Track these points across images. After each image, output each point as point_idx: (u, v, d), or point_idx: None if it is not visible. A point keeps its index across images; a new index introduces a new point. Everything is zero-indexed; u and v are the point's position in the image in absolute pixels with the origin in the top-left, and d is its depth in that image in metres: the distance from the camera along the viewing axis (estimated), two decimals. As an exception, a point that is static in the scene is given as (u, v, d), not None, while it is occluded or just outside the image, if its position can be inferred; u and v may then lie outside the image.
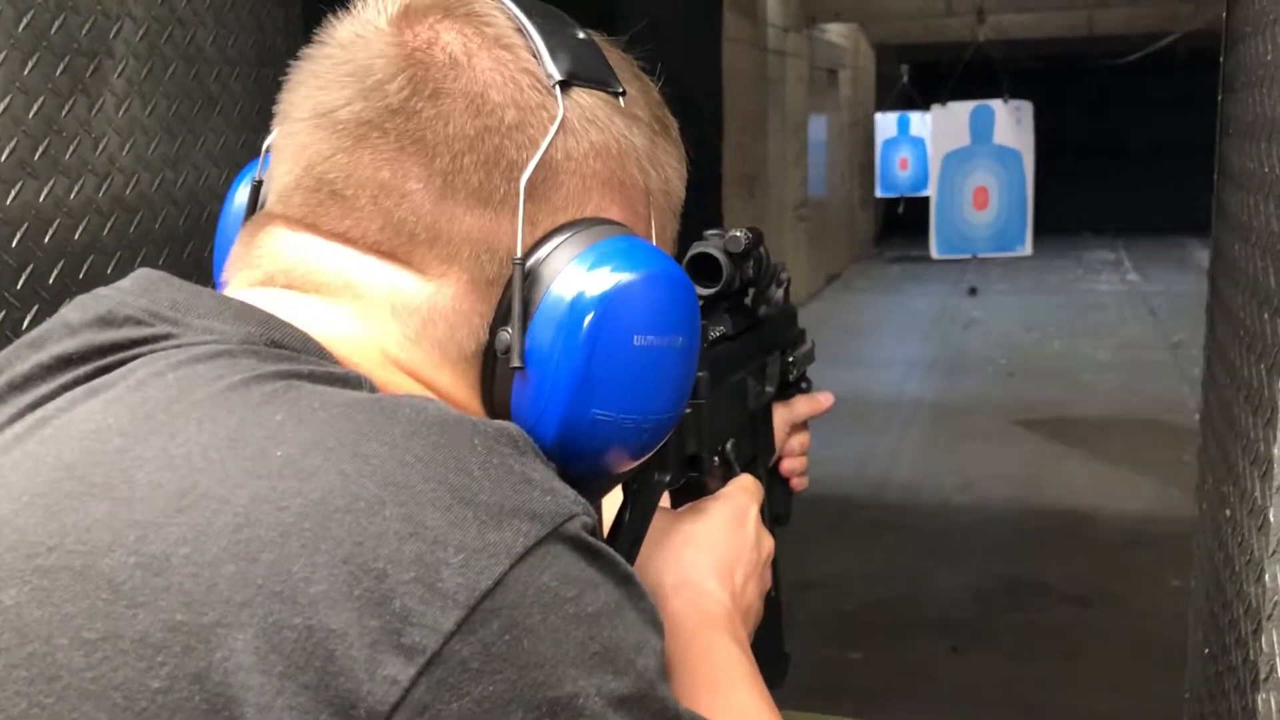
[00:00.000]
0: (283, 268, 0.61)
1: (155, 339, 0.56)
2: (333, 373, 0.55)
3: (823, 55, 9.88)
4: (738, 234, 0.83)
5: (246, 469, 0.48)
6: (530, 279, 0.60)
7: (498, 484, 0.49)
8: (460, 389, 0.62)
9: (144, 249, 1.34)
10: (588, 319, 0.59)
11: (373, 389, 0.56)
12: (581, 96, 0.62)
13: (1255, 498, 0.83)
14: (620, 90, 0.64)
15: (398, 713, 0.44)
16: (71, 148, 1.23)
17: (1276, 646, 0.73)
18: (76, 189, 1.24)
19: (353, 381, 0.56)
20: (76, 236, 1.23)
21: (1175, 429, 5.28)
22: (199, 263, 1.40)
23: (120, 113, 1.29)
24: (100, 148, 1.27)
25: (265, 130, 0.67)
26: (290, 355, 0.56)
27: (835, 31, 10.19)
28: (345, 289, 0.60)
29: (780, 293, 0.95)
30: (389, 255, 0.60)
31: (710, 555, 0.80)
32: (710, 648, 0.73)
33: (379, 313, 0.60)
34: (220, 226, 0.73)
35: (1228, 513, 0.97)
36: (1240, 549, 0.89)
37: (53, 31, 1.18)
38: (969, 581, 3.75)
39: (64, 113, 1.21)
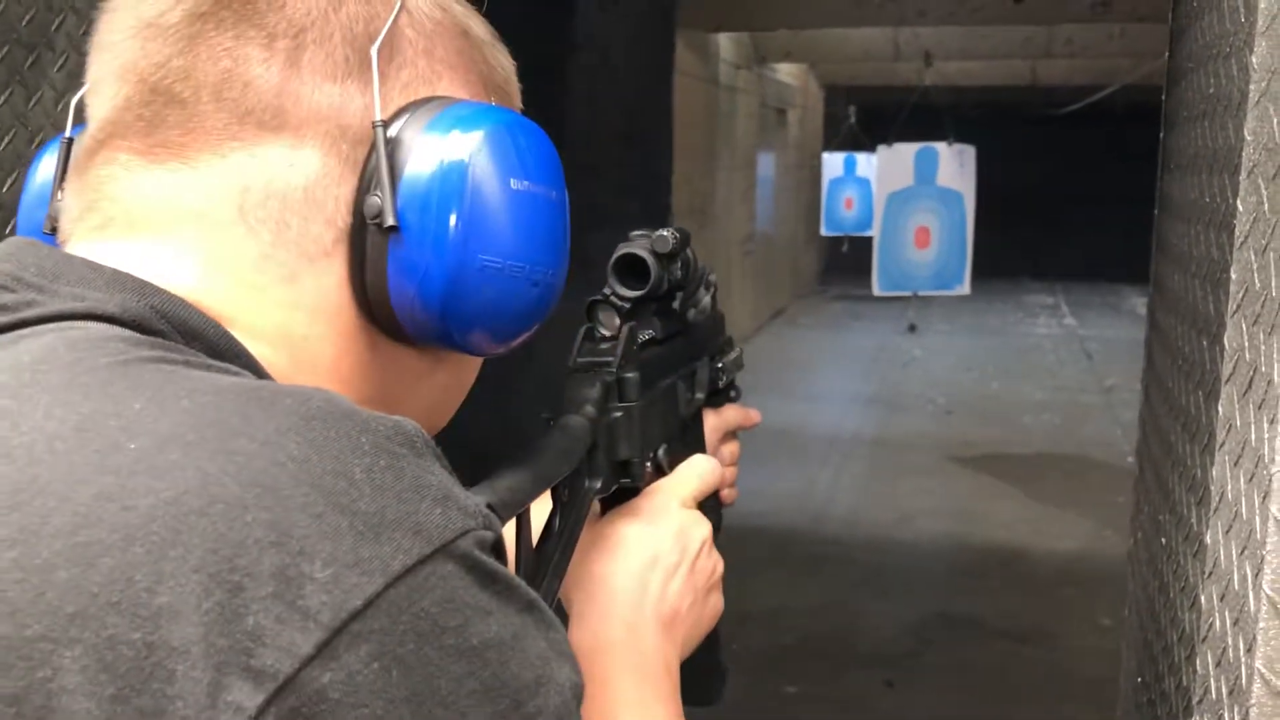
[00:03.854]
0: (124, 209, 0.56)
1: (17, 305, 0.51)
2: (212, 362, 0.51)
3: (773, 93, 10.00)
4: (665, 234, 0.82)
5: (93, 462, 0.43)
6: (392, 145, 0.57)
7: (381, 490, 0.44)
8: (324, 291, 0.58)
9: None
10: (464, 163, 0.57)
11: (256, 371, 0.53)
12: None
13: (1191, 524, 0.84)
14: None
15: None
16: (6, 140, 1.20)
17: (1211, 669, 0.74)
18: (9, 182, 1.21)
19: (232, 369, 0.51)
20: (8, 231, 1.20)
21: (1108, 470, 5.38)
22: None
23: (59, 107, 1.26)
24: (36, 142, 1.24)
25: None
26: (167, 343, 0.51)
27: (785, 71, 10.33)
28: (195, 218, 0.56)
29: (709, 298, 0.94)
30: (233, 154, 0.56)
31: (619, 560, 0.76)
32: (606, 680, 0.70)
33: (231, 233, 0.56)
34: (22, 206, 0.68)
35: (1163, 540, 0.98)
36: (1175, 576, 0.90)
37: (-8, 21, 1.16)
38: (905, 616, 3.77)
39: None
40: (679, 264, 0.84)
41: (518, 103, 0.68)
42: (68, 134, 0.62)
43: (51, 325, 0.50)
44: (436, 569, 0.43)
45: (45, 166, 0.67)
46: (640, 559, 0.76)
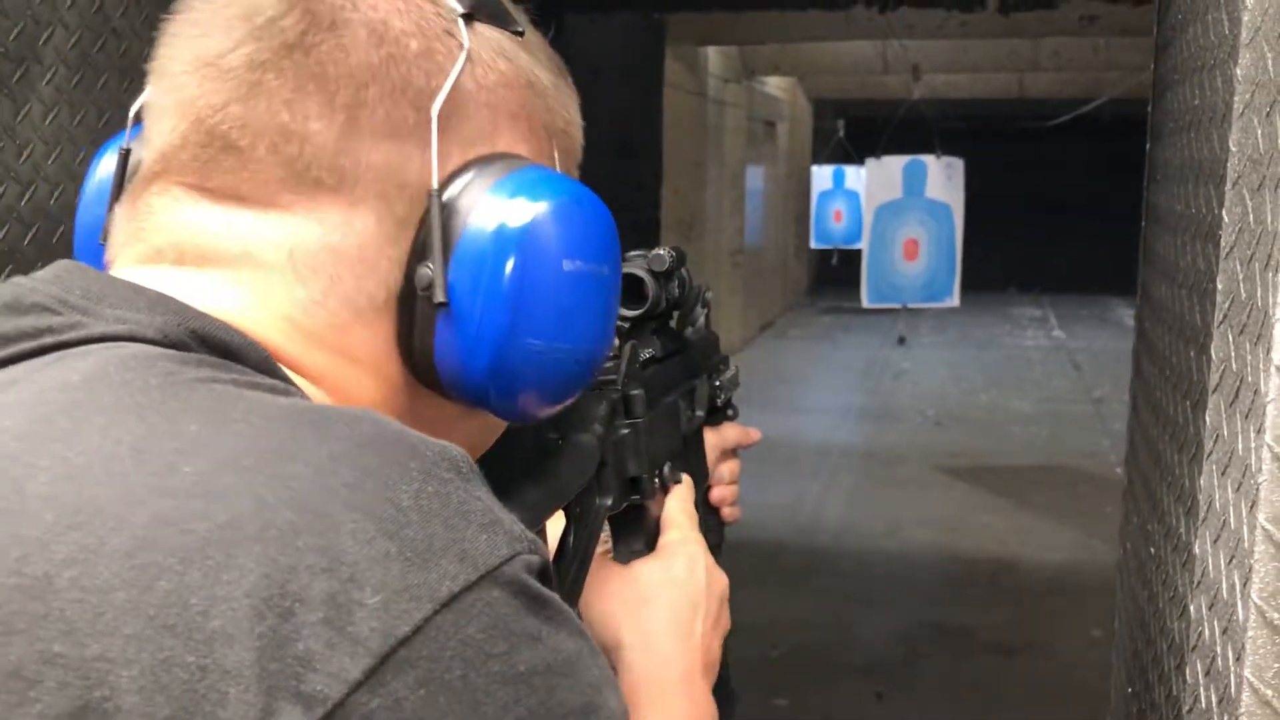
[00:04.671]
0: (172, 240, 0.56)
1: (63, 328, 0.51)
2: (259, 381, 0.51)
3: (761, 107, 10.03)
4: (661, 253, 0.83)
5: (150, 485, 0.43)
6: (447, 211, 0.56)
7: (428, 517, 0.44)
8: (374, 346, 0.57)
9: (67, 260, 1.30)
10: (518, 243, 0.56)
11: (300, 393, 0.53)
12: (485, 30, 0.59)
13: (1180, 533, 0.84)
14: (520, 29, 0.62)
15: None
16: (-6, 153, 1.20)
17: (1200, 678, 0.74)
18: (0, 194, 1.20)
19: (279, 388, 0.51)
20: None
21: (1097, 481, 5.39)
22: (123, 277, 1.37)
23: (47, 120, 1.26)
24: (25, 155, 1.24)
25: None
26: (215, 361, 0.51)
27: (774, 84, 10.37)
28: (243, 257, 0.55)
29: (704, 316, 0.95)
30: (288, 207, 0.55)
31: (667, 614, 0.76)
32: (665, 711, 0.71)
33: (281, 278, 0.55)
34: (81, 205, 0.67)
35: (1152, 550, 0.98)
36: (1164, 586, 0.90)
37: (-20, 34, 1.15)
38: (894, 628, 3.77)
39: (-12, 118, 1.18)
40: (676, 282, 0.85)
41: (579, 142, 0.67)
42: (125, 144, 0.62)
43: (96, 346, 0.50)
44: (483, 595, 0.44)
45: (104, 166, 0.66)
46: (686, 607, 0.78)
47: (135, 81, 1.40)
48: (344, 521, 0.43)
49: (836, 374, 8.42)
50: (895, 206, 7.06)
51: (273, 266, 0.55)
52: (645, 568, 0.80)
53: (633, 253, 0.84)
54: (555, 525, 0.74)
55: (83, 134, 1.31)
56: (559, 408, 0.63)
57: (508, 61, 0.60)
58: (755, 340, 9.76)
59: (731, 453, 1.03)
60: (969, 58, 8.42)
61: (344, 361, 0.57)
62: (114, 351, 0.50)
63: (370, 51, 0.55)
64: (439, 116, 0.56)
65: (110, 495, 0.43)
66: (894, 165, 7.12)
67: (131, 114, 0.62)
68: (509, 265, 0.56)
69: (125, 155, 0.62)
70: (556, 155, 0.64)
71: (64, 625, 0.40)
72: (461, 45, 0.57)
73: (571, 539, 0.75)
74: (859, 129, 9.65)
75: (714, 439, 1.00)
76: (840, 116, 10.52)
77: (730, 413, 1.04)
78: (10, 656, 0.40)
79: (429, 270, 0.56)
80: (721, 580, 0.83)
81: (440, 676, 0.42)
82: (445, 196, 0.56)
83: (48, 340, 0.51)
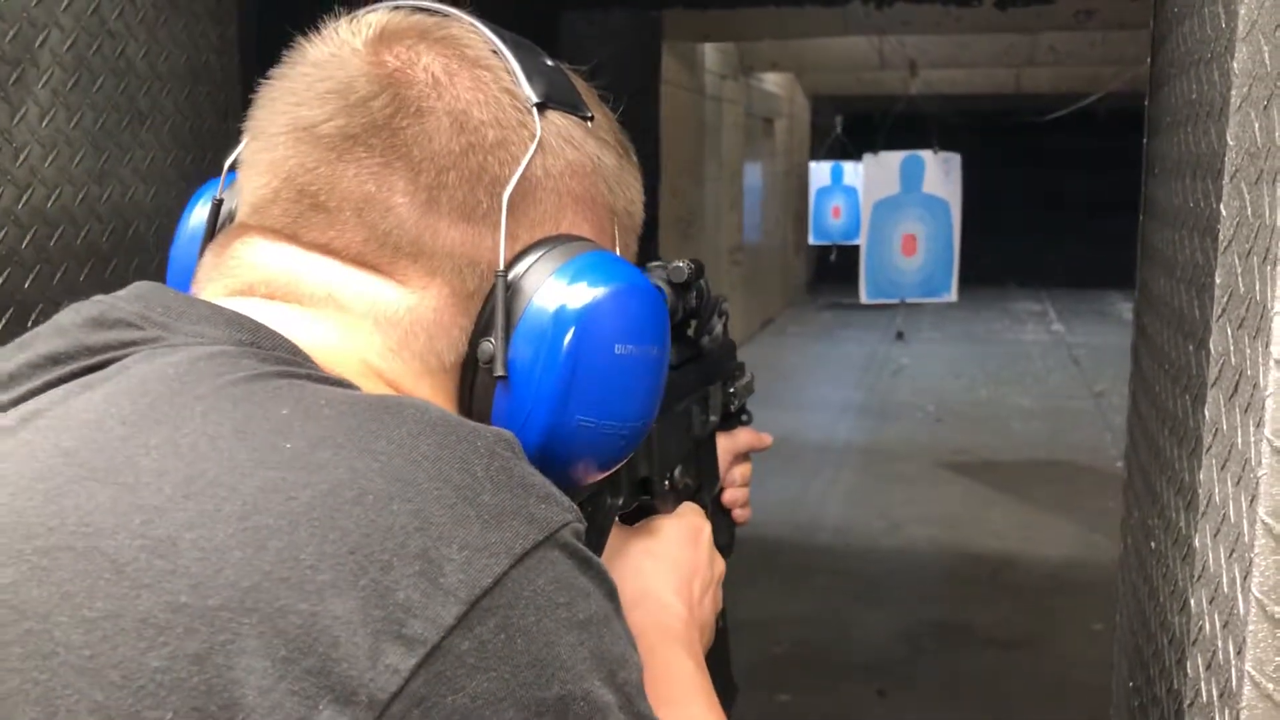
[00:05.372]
0: (263, 278, 0.61)
1: (146, 341, 0.56)
2: (327, 378, 0.56)
3: (759, 103, 10.02)
4: (680, 265, 0.86)
5: (255, 458, 0.49)
6: (511, 291, 0.61)
7: (499, 486, 0.50)
8: (439, 399, 0.62)
9: (65, 263, 1.30)
10: (574, 327, 0.61)
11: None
12: (556, 118, 0.64)
13: (1180, 528, 0.84)
14: (589, 115, 0.67)
15: (396, 702, 0.45)
16: (-9, 157, 1.19)
17: (1201, 671, 0.74)
18: (-5, 199, 1.20)
19: (347, 384, 0.56)
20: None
21: (1098, 476, 5.39)
22: (123, 280, 1.36)
23: (44, 123, 1.26)
24: (21, 158, 1.23)
25: (197, 148, 0.67)
26: (287, 358, 0.56)
27: (772, 81, 10.36)
28: (327, 300, 0.61)
29: (721, 325, 0.97)
30: (371, 267, 0.61)
31: (669, 568, 0.82)
32: (669, 663, 0.75)
33: (361, 324, 0.61)
34: (175, 245, 0.73)
35: (1152, 545, 0.98)
36: (1165, 579, 0.90)
37: (-24, 37, 1.15)
38: (896, 624, 3.77)
39: (-16, 121, 1.18)
40: (694, 293, 0.88)
41: (639, 218, 0.73)
42: (219, 194, 0.68)
43: (182, 348, 0.56)
44: (548, 554, 0.50)
45: (197, 214, 0.73)
46: (685, 566, 0.83)
47: (131, 82, 1.40)
48: (429, 489, 0.48)
49: (836, 370, 8.42)
50: (893, 202, 7.06)
51: (355, 312, 0.61)
52: (651, 528, 0.85)
53: (653, 264, 0.86)
54: None
55: (80, 136, 1.31)
56: (604, 476, 0.68)
57: (575, 149, 0.65)
58: (755, 337, 9.75)
59: (744, 456, 1.07)
60: (966, 53, 8.42)
61: None
62: (200, 349, 0.55)
63: (452, 139, 0.61)
64: (510, 202, 0.61)
65: (219, 469, 0.48)
66: (892, 161, 7.11)
67: (226, 165, 0.67)
68: (564, 347, 0.61)
69: (218, 204, 0.68)
70: (617, 233, 0.70)
71: (189, 579, 0.45)
72: (533, 135, 0.62)
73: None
74: (857, 125, 9.65)
75: (727, 443, 1.03)
76: (838, 113, 10.52)
77: (744, 418, 1.07)
78: (141, 606, 0.45)
79: (491, 344, 0.61)
80: (720, 563, 0.88)
81: (517, 621, 0.47)
82: (510, 276, 0.62)
83: (133, 351, 0.56)
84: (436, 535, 0.47)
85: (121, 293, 0.61)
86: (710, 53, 8.20)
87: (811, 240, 10.25)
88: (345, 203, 0.60)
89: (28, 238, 1.25)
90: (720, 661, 0.90)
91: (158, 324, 0.57)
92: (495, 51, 0.64)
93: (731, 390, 1.02)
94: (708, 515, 0.91)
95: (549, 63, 0.67)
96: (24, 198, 1.24)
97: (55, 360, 0.56)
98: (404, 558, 0.46)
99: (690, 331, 0.94)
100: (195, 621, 0.45)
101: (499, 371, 0.61)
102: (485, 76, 0.63)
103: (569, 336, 0.61)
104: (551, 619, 0.49)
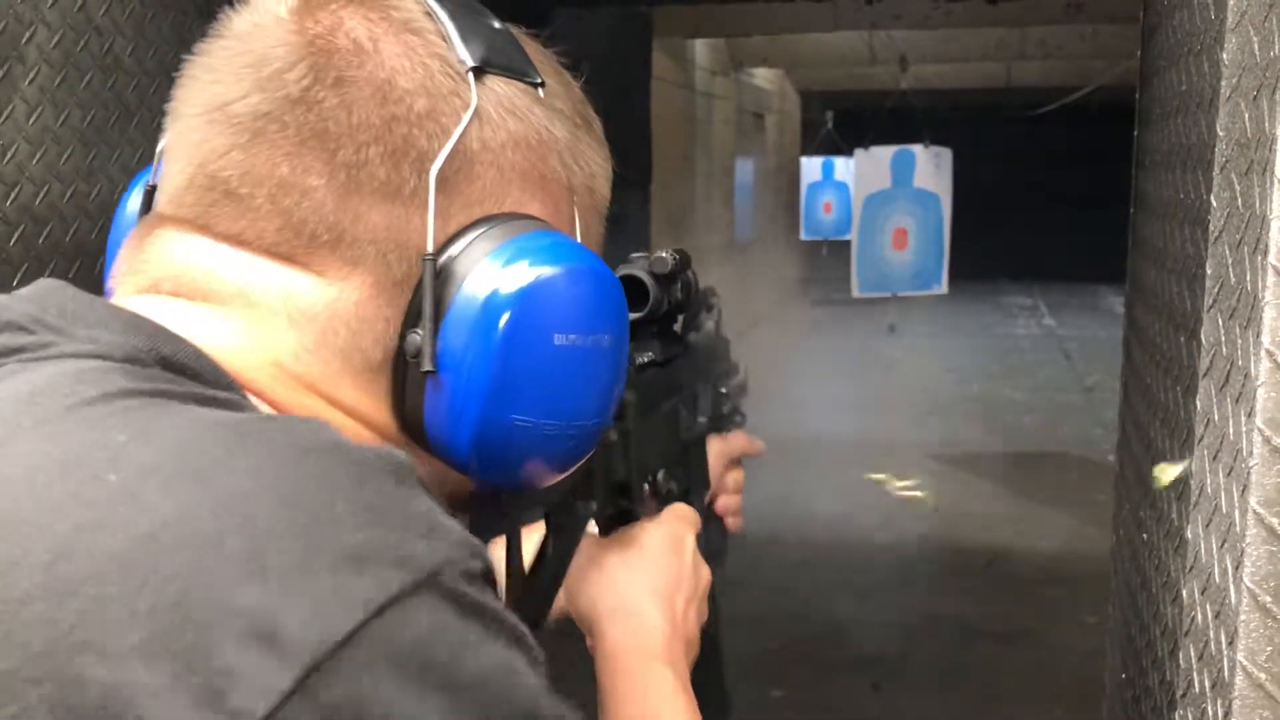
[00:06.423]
0: (170, 274, 0.56)
1: (33, 347, 0.51)
2: (212, 395, 0.50)
3: (750, 99, 10.02)
4: (664, 255, 0.82)
5: (73, 493, 0.43)
6: (443, 277, 0.56)
7: (364, 523, 0.43)
8: (366, 400, 0.57)
9: (53, 261, 1.29)
10: (504, 316, 0.55)
11: (255, 410, 0.52)
12: (497, 85, 0.58)
13: (1172, 519, 0.84)
14: (539, 81, 0.60)
15: None
16: (-22, 154, 1.19)
17: (1194, 662, 0.74)
18: (-18, 197, 1.19)
19: (232, 403, 0.51)
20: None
21: (1089, 468, 5.40)
22: (110, 277, 1.36)
23: (31, 121, 1.25)
24: (9, 155, 1.23)
25: None
26: (170, 376, 0.51)
27: (762, 76, 10.35)
28: (237, 296, 0.55)
29: (711, 321, 0.94)
30: (286, 258, 0.55)
31: (648, 581, 0.77)
32: (647, 685, 0.71)
33: (273, 322, 0.55)
34: (111, 238, 0.68)
35: (1145, 536, 0.98)
36: (1157, 571, 0.90)
37: (-39, 34, 1.15)
38: (890, 618, 3.77)
39: (-29, 119, 1.17)
40: (679, 285, 0.84)
41: (603, 195, 0.66)
42: (152, 180, 0.62)
43: (56, 360, 0.50)
44: (420, 601, 0.42)
45: (133, 201, 0.67)
46: (669, 577, 0.78)
47: (119, 79, 1.39)
48: (272, 528, 0.42)
49: (828, 365, 8.43)
50: (883, 196, 7.06)
51: (267, 309, 0.55)
52: (628, 538, 0.80)
53: (635, 254, 0.83)
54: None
55: (67, 134, 1.31)
56: (556, 479, 0.62)
57: (519, 120, 0.59)
58: (746, 333, 9.76)
59: (736, 462, 1.02)
60: (956, 47, 8.42)
61: (335, 409, 0.57)
62: (71, 365, 0.49)
63: (374, 110, 0.55)
64: (441, 178, 0.55)
65: (34, 505, 0.42)
66: (882, 155, 7.11)
67: (158, 151, 0.62)
68: (496, 337, 0.55)
69: (151, 192, 0.62)
70: (576, 213, 0.63)
71: None
72: (467, 104, 0.56)
73: (550, 548, 0.74)
74: (847, 120, 9.64)
75: (720, 447, 0.98)
76: (828, 108, 10.52)
77: (738, 419, 1.02)
78: None
79: (419, 337, 0.55)
80: (706, 571, 0.83)
81: (372, 688, 0.40)
82: (442, 260, 0.56)
83: (22, 358, 0.51)
84: (275, 585, 0.40)
85: (22, 291, 0.56)
86: (700, 48, 8.19)
87: (803, 236, 10.25)
88: (258, 189, 0.55)
89: (15, 235, 1.24)
90: (712, 673, 0.86)
91: (51, 328, 0.52)
92: (428, 13, 0.58)
93: (724, 390, 0.98)
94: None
95: (495, 25, 0.60)
96: (12, 195, 1.23)
97: None
98: (231, 612, 0.40)
99: (676, 327, 0.90)
100: None
101: (426, 366, 0.55)
102: (414, 41, 0.57)
103: (501, 324, 0.55)
104: (417, 682, 0.41)
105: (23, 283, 1.24)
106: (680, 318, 0.90)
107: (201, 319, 0.55)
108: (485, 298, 0.55)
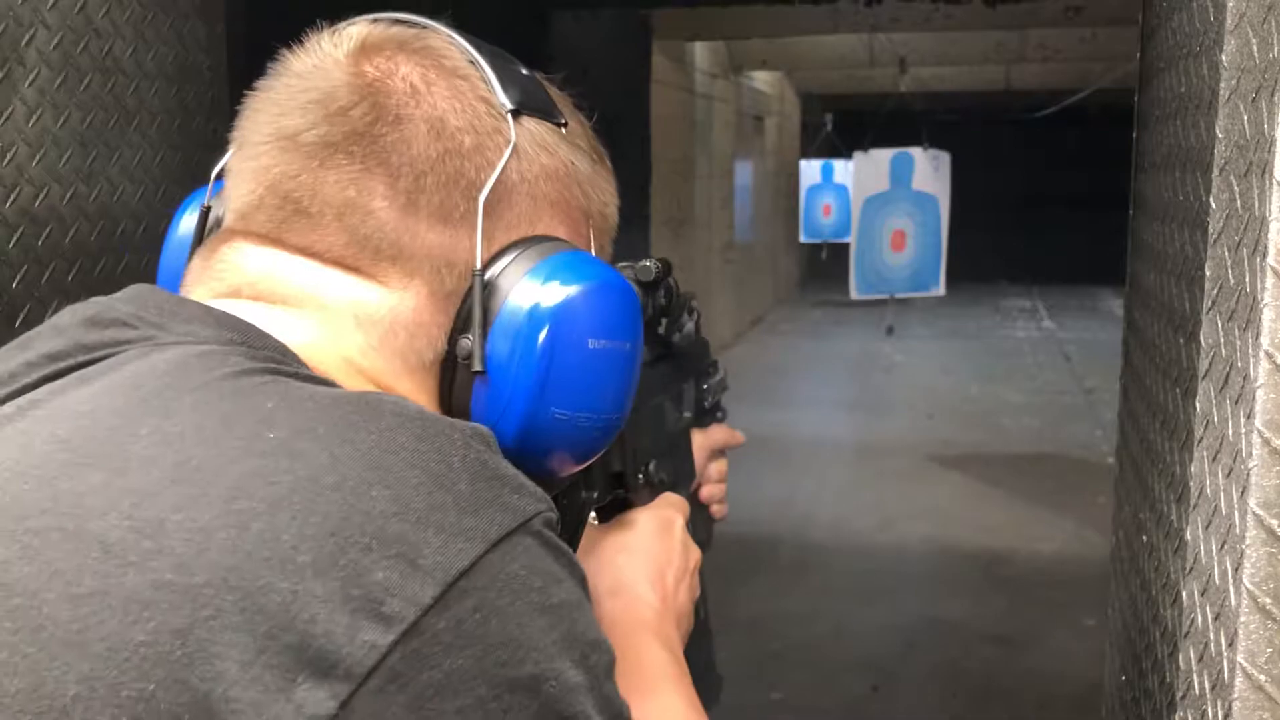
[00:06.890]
0: (248, 280, 0.64)
1: (140, 340, 0.59)
2: (312, 376, 0.58)
3: (749, 102, 10.03)
4: (648, 263, 0.87)
5: (240, 446, 0.51)
6: (488, 290, 0.64)
7: (475, 477, 0.53)
8: (420, 396, 0.65)
9: (53, 263, 1.29)
10: (548, 323, 0.64)
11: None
12: (531, 124, 0.67)
13: (1171, 521, 0.84)
14: (563, 121, 0.70)
15: (373, 676, 0.47)
16: (-23, 156, 1.19)
17: (1193, 664, 0.74)
18: (-18, 199, 1.19)
19: (330, 383, 0.59)
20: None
21: (1089, 471, 5.40)
22: (110, 279, 1.36)
23: (30, 123, 1.25)
24: (8, 157, 1.23)
25: (185, 147, 0.68)
26: (274, 356, 0.59)
27: (762, 79, 10.36)
28: (310, 300, 0.63)
29: (692, 324, 1.00)
30: (352, 268, 0.63)
31: (642, 561, 0.84)
32: (641, 652, 0.76)
33: (343, 323, 0.63)
34: (165, 252, 0.76)
35: (1144, 539, 0.98)
36: (1157, 573, 0.90)
37: (-39, 37, 1.15)
38: (890, 621, 3.77)
39: (-29, 121, 1.17)
40: (662, 291, 0.90)
41: (613, 220, 0.76)
42: (206, 202, 0.72)
43: (173, 346, 0.58)
44: (521, 540, 0.52)
45: (185, 222, 0.75)
46: (660, 556, 0.86)
47: (118, 81, 1.39)
48: (407, 477, 0.51)
49: (828, 368, 8.43)
50: (882, 198, 7.06)
51: (337, 312, 0.63)
52: (623, 523, 0.88)
53: (621, 263, 0.87)
54: None
55: (67, 136, 1.31)
56: (580, 468, 0.71)
57: (549, 155, 0.68)
58: (746, 335, 9.76)
59: (719, 453, 1.09)
60: (955, 50, 8.43)
61: None
62: (192, 347, 0.58)
63: (429, 145, 0.64)
64: (486, 204, 0.64)
65: (206, 456, 0.51)
66: (881, 158, 7.11)
67: (213, 174, 0.71)
68: (539, 343, 0.64)
69: (205, 212, 0.72)
70: (592, 235, 0.73)
71: (174, 559, 0.48)
72: (508, 141, 0.65)
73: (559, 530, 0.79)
74: (847, 123, 9.65)
75: (702, 440, 1.05)
76: (828, 111, 10.52)
77: (719, 414, 1.09)
78: (127, 584, 0.47)
79: (469, 341, 0.64)
80: (696, 552, 0.90)
81: (493, 603, 0.50)
82: (487, 276, 0.64)
83: (139, 346, 0.59)
84: (414, 520, 0.50)
85: (117, 295, 0.63)
86: (700, 51, 8.20)
87: (802, 238, 10.25)
88: (327, 208, 0.63)
89: (15, 237, 1.24)
90: (702, 651, 0.92)
91: (151, 324, 0.60)
92: (472, 61, 0.66)
93: (705, 387, 1.04)
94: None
95: (524, 72, 0.69)
96: (11, 197, 1.23)
97: (53, 358, 0.59)
98: (383, 540, 0.49)
99: (661, 329, 0.96)
100: (179, 598, 0.47)
101: (477, 367, 0.63)
102: (462, 85, 0.65)
103: (544, 332, 0.64)
104: (525, 602, 0.51)
105: (22, 284, 1.25)
106: (664, 321, 0.95)
107: (280, 319, 0.63)
108: (530, 307, 0.64)
